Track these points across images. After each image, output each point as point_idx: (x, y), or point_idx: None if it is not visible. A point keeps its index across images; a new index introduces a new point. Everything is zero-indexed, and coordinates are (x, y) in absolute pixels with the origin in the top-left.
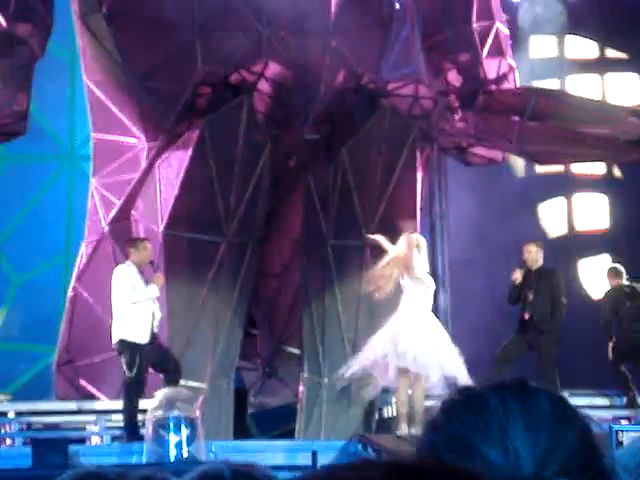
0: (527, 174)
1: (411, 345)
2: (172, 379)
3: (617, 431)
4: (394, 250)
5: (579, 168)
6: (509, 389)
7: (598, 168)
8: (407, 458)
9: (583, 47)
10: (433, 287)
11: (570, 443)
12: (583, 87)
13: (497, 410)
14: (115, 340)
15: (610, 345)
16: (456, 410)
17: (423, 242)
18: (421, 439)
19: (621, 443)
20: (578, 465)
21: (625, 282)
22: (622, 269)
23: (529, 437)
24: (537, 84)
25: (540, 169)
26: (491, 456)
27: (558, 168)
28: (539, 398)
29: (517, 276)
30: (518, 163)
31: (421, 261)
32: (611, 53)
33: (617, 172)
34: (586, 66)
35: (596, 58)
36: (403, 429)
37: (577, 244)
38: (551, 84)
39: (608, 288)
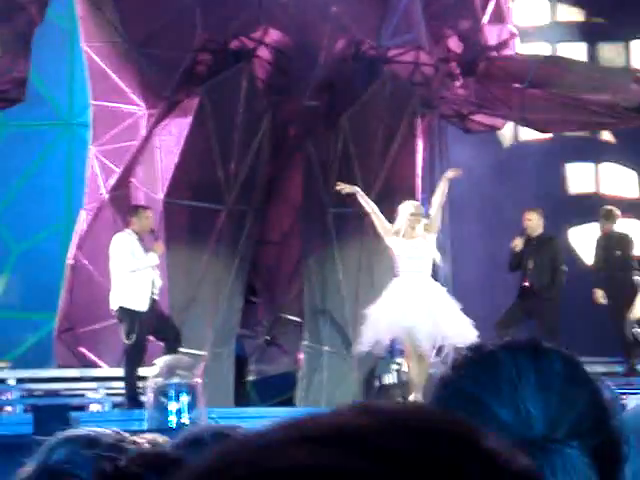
0: (527, 139)
1: (417, 318)
2: (172, 346)
3: (619, 395)
4: (399, 219)
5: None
6: (522, 348)
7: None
8: (415, 406)
9: (573, 13)
10: (433, 252)
11: (582, 404)
12: (573, 54)
13: (509, 369)
14: (114, 307)
15: (597, 296)
16: (467, 368)
17: (422, 209)
18: (431, 396)
19: (624, 407)
20: (589, 427)
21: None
22: (615, 212)
23: (541, 397)
24: (527, 49)
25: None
26: (502, 415)
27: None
28: (552, 358)
29: (517, 243)
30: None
31: (427, 228)
32: (599, 20)
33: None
34: (575, 32)
35: (585, 24)
36: (414, 397)
37: (574, 209)
38: (541, 49)
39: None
